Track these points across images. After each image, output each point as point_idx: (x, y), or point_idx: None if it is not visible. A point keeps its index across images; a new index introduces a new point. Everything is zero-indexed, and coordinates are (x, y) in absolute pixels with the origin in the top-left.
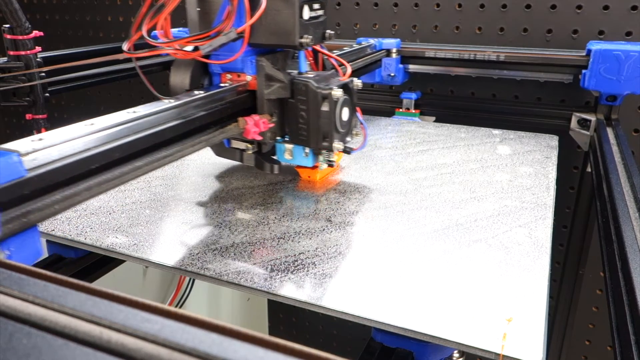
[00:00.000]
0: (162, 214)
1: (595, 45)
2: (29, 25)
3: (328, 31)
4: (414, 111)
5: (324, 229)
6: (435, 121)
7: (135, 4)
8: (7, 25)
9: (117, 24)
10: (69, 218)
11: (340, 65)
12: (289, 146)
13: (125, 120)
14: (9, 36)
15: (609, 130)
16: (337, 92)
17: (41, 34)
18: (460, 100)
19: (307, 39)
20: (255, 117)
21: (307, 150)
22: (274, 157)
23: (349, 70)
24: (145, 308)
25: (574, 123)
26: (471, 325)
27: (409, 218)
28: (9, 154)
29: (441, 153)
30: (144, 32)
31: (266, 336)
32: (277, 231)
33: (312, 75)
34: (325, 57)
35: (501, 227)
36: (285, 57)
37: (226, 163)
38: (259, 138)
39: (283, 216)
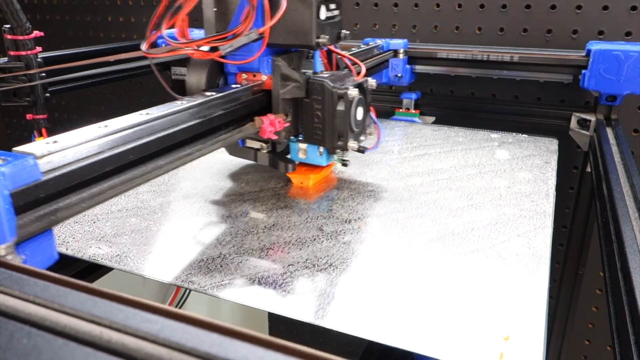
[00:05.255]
0: (148, 223)
1: (595, 46)
2: (30, 26)
3: (343, 31)
4: (414, 111)
5: (314, 239)
6: (435, 121)
7: (136, 5)
8: (8, 26)
9: (117, 24)
10: None
11: (354, 65)
12: (303, 145)
13: (139, 122)
14: (9, 36)
15: (609, 131)
16: (353, 92)
17: (42, 34)
18: (460, 100)
19: (323, 39)
20: (271, 116)
21: (321, 149)
22: (288, 157)
23: (364, 70)
24: (145, 308)
25: (573, 123)
26: (467, 344)
27: (404, 227)
28: (24, 156)
29: (438, 158)
30: (163, 31)
31: (266, 336)
32: (266, 241)
33: (327, 75)
34: (339, 56)
35: (499, 236)
36: (300, 57)
37: (217, 169)
38: (275, 137)
39: (273, 225)
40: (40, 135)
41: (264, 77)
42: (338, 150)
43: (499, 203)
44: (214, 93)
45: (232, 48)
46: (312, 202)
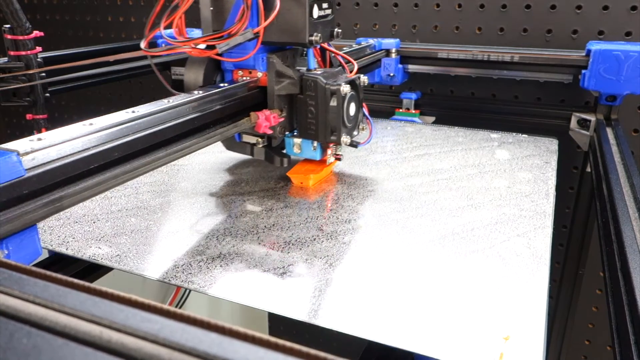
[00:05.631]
0: (148, 223)
1: (595, 46)
2: (30, 26)
3: (336, 29)
4: (414, 111)
5: (314, 239)
6: (435, 121)
7: (135, 5)
8: (8, 26)
9: (117, 24)
10: (51, 227)
11: (347, 63)
12: (298, 140)
13: (125, 120)
14: (9, 36)
15: (609, 131)
16: (345, 88)
17: (41, 34)
18: (460, 100)
19: (316, 37)
20: (266, 112)
21: (315, 144)
22: (284, 151)
23: (356, 67)
24: (145, 308)
25: (573, 123)
26: (467, 344)
27: (404, 227)
28: (8, 153)
29: (438, 158)
30: (162, 30)
31: (266, 336)
32: (266, 241)
33: (320, 72)
34: (332, 54)
35: (499, 236)
36: (294, 55)
37: (217, 168)
38: (270, 132)
39: (273, 225)
40: None
41: (260, 74)
42: (332, 145)
43: (499, 203)
44: (212, 89)
45: (229, 46)
46: (312, 201)
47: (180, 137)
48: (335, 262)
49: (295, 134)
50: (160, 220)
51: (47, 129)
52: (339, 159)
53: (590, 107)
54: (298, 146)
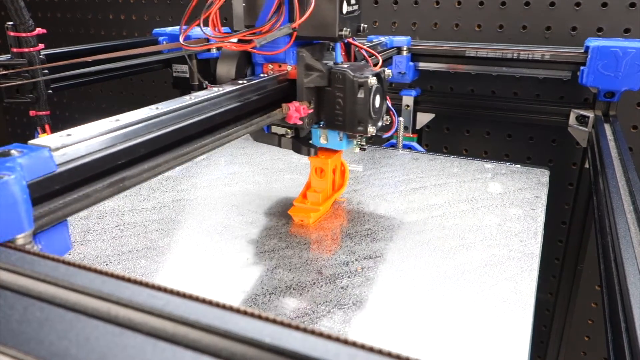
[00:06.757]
0: (157, 265)
1: (594, 42)
2: (32, 23)
3: (362, 25)
4: (411, 135)
5: (314, 283)
6: (434, 118)
7: (137, 3)
8: (11, 23)
9: (118, 21)
10: None
11: (370, 57)
12: (325, 131)
13: (150, 116)
14: (12, 33)
15: (607, 127)
16: (372, 80)
17: (44, 31)
18: (460, 97)
19: (345, 32)
20: (296, 103)
21: (341, 134)
22: (310, 142)
23: (380, 60)
24: (150, 286)
25: (572, 119)
26: None
27: (398, 269)
28: (40, 149)
29: (432, 192)
30: (201, 24)
31: (263, 313)
32: (268, 285)
33: (347, 65)
34: (357, 49)
35: (488, 280)
36: (321, 49)
37: (221, 203)
38: (300, 123)
39: (275, 267)
40: (44, 131)
41: (289, 67)
42: (357, 135)
43: (489, 243)
44: (245, 81)
45: (266, 41)
46: (312, 240)
47: (221, 125)
48: (333, 309)
49: (322, 125)
50: (168, 262)
51: (50, 125)
52: (364, 149)
53: (588, 104)
54: (325, 137)
